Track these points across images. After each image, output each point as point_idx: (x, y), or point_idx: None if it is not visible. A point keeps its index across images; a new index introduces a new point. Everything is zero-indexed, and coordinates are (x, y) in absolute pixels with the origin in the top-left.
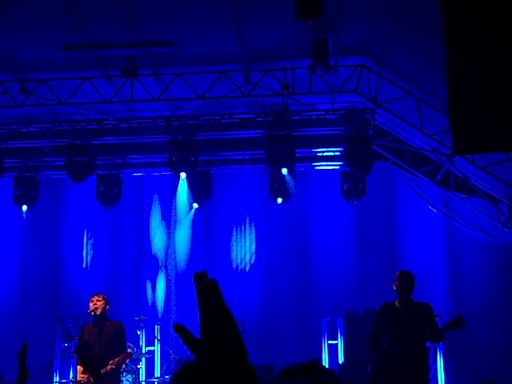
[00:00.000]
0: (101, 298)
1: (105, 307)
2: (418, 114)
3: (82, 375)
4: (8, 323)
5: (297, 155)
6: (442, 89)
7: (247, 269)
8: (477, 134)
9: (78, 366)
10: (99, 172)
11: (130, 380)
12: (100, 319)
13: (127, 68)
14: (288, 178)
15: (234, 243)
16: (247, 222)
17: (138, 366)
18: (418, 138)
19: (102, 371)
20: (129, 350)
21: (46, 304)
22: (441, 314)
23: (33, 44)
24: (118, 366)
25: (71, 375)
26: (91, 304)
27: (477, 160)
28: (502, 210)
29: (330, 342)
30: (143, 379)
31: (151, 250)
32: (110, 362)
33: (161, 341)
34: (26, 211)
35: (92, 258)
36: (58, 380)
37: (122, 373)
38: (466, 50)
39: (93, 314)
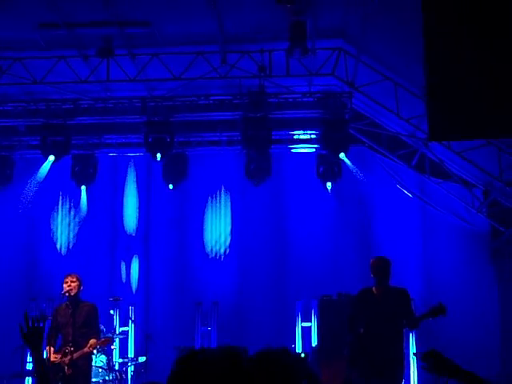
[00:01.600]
0: (74, 279)
1: (78, 288)
2: (395, 98)
3: (55, 355)
4: None
5: (273, 137)
6: (420, 74)
7: (222, 251)
8: (453, 120)
9: (48, 347)
10: (74, 151)
11: (104, 361)
12: (74, 300)
13: (103, 48)
14: (264, 161)
15: (209, 225)
16: (222, 203)
17: (112, 347)
18: (395, 123)
19: (76, 354)
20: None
21: (19, 284)
22: (414, 298)
23: (8, 21)
24: (93, 349)
25: (45, 355)
26: (65, 285)
27: (453, 145)
28: (477, 195)
29: (303, 324)
30: (117, 360)
31: (126, 231)
32: (88, 345)
33: (134, 321)
34: (0, 190)
35: (67, 238)
36: (31, 360)
37: (95, 354)
38: (443, 37)
39: (67, 294)
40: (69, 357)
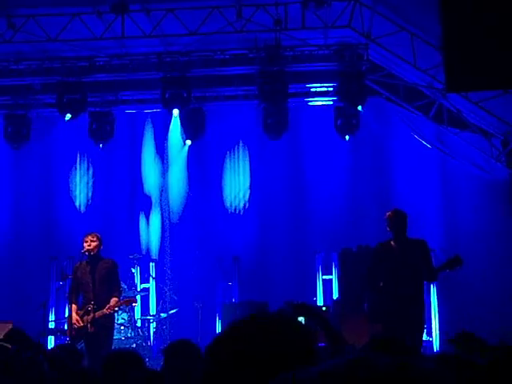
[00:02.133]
0: (95, 238)
1: (98, 247)
2: (412, 49)
3: (77, 316)
4: (2, 262)
5: (290, 91)
6: (436, 24)
7: (241, 205)
8: (470, 71)
9: (71, 305)
10: (91, 109)
11: (126, 318)
12: (94, 258)
13: (117, 3)
14: (282, 114)
15: (228, 180)
16: (241, 158)
17: (134, 304)
18: (412, 73)
19: (98, 313)
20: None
21: (40, 243)
22: (435, 248)
23: None
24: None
25: (66, 313)
26: (85, 244)
27: (470, 95)
28: (495, 144)
29: (324, 277)
30: (139, 317)
31: (144, 188)
32: (107, 307)
33: (156, 279)
34: (18, 149)
35: (85, 196)
36: (53, 318)
37: (116, 311)
38: None
39: (87, 253)
40: (91, 315)
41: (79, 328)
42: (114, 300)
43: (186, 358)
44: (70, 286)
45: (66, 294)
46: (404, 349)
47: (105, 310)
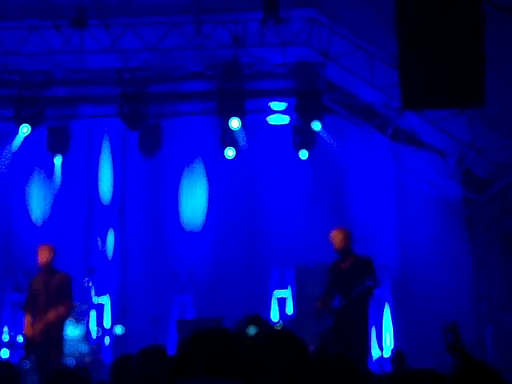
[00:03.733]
0: (47, 249)
1: (52, 257)
2: (370, 68)
3: (30, 328)
4: None
5: (248, 108)
6: (393, 43)
7: (198, 221)
8: (425, 89)
9: (28, 317)
10: (49, 123)
11: (81, 332)
12: (48, 270)
13: (77, 18)
14: (239, 131)
15: (185, 195)
16: (198, 173)
17: (88, 318)
18: (370, 92)
19: (39, 326)
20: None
21: None
22: (389, 265)
23: None
24: (59, 318)
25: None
26: (39, 256)
27: (427, 113)
28: (450, 163)
29: (279, 292)
30: (93, 331)
31: (101, 202)
32: (49, 314)
33: (111, 292)
34: None
35: (42, 210)
36: (7, 331)
37: (73, 325)
38: (414, 6)
39: (41, 265)
40: (40, 325)
41: (29, 339)
42: (53, 311)
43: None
44: (26, 298)
45: (22, 307)
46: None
47: (47, 318)
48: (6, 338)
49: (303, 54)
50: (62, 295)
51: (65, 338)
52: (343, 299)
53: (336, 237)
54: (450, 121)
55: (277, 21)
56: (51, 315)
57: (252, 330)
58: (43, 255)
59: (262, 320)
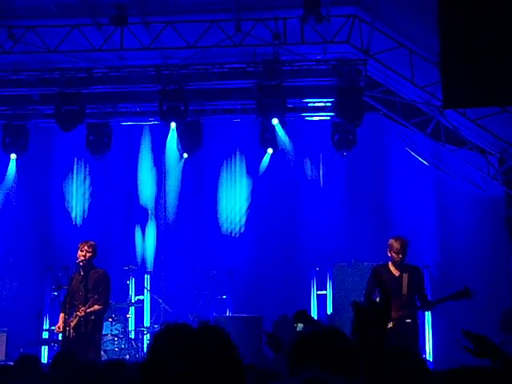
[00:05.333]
0: (90, 249)
1: (92, 255)
2: (410, 65)
3: (64, 324)
4: None
5: (287, 105)
6: (435, 40)
7: (237, 219)
8: (467, 88)
9: (62, 314)
10: (89, 121)
11: (119, 329)
12: (87, 267)
13: (117, 15)
14: (279, 129)
15: (224, 193)
16: (237, 172)
17: (128, 316)
18: (410, 90)
19: (73, 322)
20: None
21: (36, 253)
22: (429, 265)
23: None
24: (94, 315)
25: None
26: (80, 253)
27: (468, 112)
28: (492, 162)
29: (318, 292)
30: (132, 328)
31: (140, 200)
32: (80, 310)
33: (150, 290)
34: (15, 159)
35: (82, 207)
36: (47, 328)
37: (111, 322)
38: (457, 3)
39: (81, 263)
40: (74, 321)
41: (65, 336)
42: (86, 308)
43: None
44: (65, 295)
45: (61, 304)
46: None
47: (77, 314)
48: (45, 334)
49: (344, 50)
50: (99, 292)
51: (102, 335)
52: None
53: (397, 244)
54: (491, 119)
55: (318, 18)
56: (84, 311)
57: (300, 326)
58: (86, 254)
59: (310, 316)
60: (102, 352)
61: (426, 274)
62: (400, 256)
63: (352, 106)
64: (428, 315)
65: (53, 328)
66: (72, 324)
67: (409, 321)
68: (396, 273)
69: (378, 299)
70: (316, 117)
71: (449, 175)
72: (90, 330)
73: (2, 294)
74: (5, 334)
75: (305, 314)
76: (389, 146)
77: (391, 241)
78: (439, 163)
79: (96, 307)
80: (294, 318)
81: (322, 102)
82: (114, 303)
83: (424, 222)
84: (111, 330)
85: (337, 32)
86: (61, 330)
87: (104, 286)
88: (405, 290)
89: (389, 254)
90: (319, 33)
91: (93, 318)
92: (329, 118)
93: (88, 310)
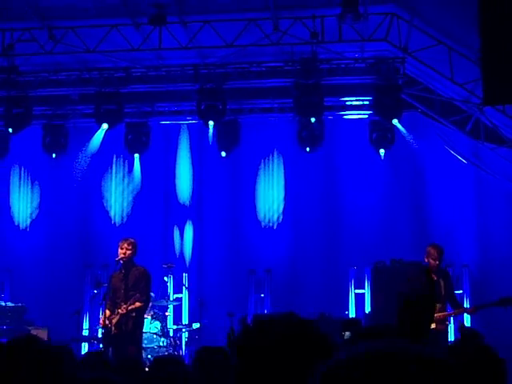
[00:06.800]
0: (130, 246)
1: (132, 252)
2: (449, 63)
3: (107, 320)
4: (39, 269)
5: (325, 104)
6: (474, 38)
7: (275, 218)
8: (508, 84)
9: (107, 311)
10: (127, 120)
11: (158, 327)
12: (127, 264)
13: (155, 15)
14: (316, 127)
15: (262, 192)
16: (275, 170)
17: (166, 314)
18: (449, 88)
19: (114, 319)
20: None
21: (75, 251)
22: (468, 264)
23: None
24: (135, 313)
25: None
26: (120, 250)
27: (508, 109)
28: None
29: (356, 291)
30: (171, 326)
31: (179, 199)
32: (122, 307)
33: (188, 288)
34: (56, 159)
35: (121, 206)
36: (87, 326)
37: (150, 320)
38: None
39: (121, 261)
40: (116, 318)
41: (106, 332)
42: (127, 305)
43: (215, 365)
44: (104, 293)
45: (100, 302)
46: None
47: (118, 311)
48: (85, 332)
49: (382, 48)
50: (140, 289)
51: (142, 332)
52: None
53: (435, 254)
54: None
55: (356, 16)
56: (126, 309)
57: (347, 335)
58: (126, 251)
59: (358, 324)
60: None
61: (465, 273)
62: (437, 262)
63: (390, 104)
64: (466, 318)
65: (97, 327)
66: (114, 321)
67: (447, 323)
68: (434, 278)
69: None
70: (354, 115)
71: (488, 173)
72: (130, 328)
73: (43, 292)
74: (46, 330)
75: (354, 323)
76: (427, 144)
77: (429, 248)
78: (478, 161)
79: (137, 304)
80: (342, 326)
81: (359, 100)
82: (154, 301)
83: (463, 220)
84: (150, 328)
85: (375, 30)
86: (107, 327)
87: (145, 283)
88: (442, 293)
89: (426, 260)
90: (357, 31)
91: (134, 315)
92: (367, 116)
93: (129, 308)
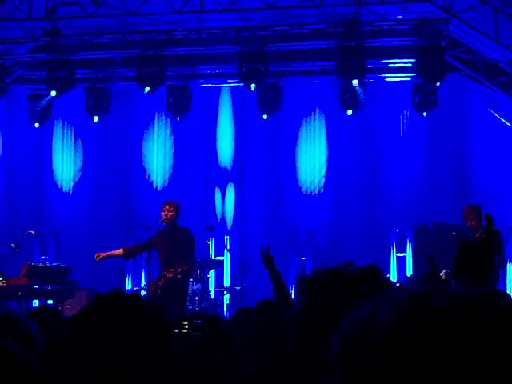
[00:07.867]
0: (172, 208)
1: (174, 214)
2: (495, 23)
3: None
4: (81, 232)
5: (367, 66)
6: None
7: (316, 180)
8: None
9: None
10: (169, 83)
11: (200, 288)
12: (170, 226)
13: None
14: (359, 90)
15: (303, 155)
16: (317, 133)
17: (208, 276)
18: (493, 49)
19: (160, 282)
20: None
21: (118, 213)
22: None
23: None
24: (181, 274)
25: (143, 282)
26: (163, 213)
27: None
28: None
29: (398, 254)
30: (212, 288)
31: (220, 162)
32: (166, 272)
33: (230, 251)
34: (98, 122)
35: (162, 169)
36: (130, 286)
37: (192, 282)
38: None
39: (164, 223)
40: (162, 280)
41: (150, 294)
42: (173, 269)
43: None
44: (148, 254)
45: (144, 263)
46: None
47: (165, 274)
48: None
49: (425, 10)
50: (184, 251)
51: (186, 294)
52: None
53: (475, 214)
54: None
55: None
56: (173, 273)
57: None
58: (168, 213)
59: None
60: None
61: (510, 236)
62: (476, 222)
63: (433, 66)
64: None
65: (140, 289)
66: (160, 284)
67: None
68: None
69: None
70: (396, 78)
71: None
72: (177, 290)
73: (87, 255)
74: (90, 291)
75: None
76: (471, 107)
77: (465, 211)
78: None
79: (183, 267)
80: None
81: (402, 62)
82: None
83: (506, 184)
84: (191, 290)
85: None
86: (152, 290)
87: (189, 245)
88: None
89: (468, 224)
90: None
91: (179, 277)
92: (409, 78)
93: (176, 271)
